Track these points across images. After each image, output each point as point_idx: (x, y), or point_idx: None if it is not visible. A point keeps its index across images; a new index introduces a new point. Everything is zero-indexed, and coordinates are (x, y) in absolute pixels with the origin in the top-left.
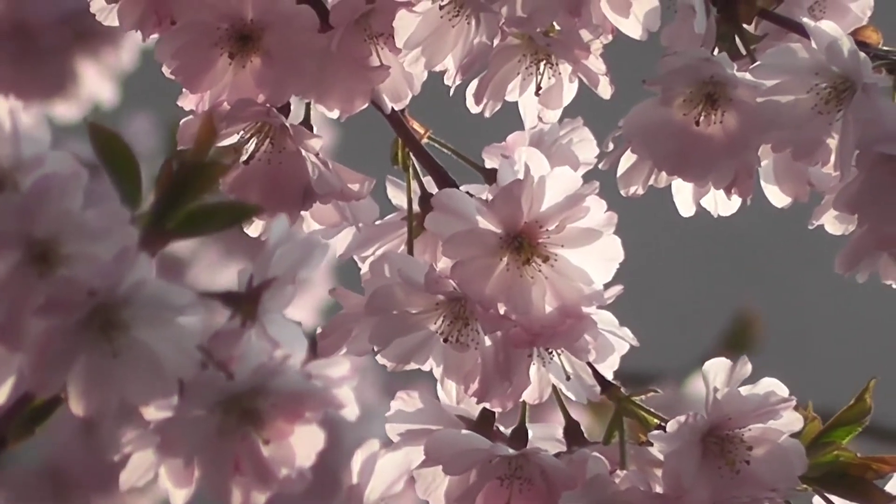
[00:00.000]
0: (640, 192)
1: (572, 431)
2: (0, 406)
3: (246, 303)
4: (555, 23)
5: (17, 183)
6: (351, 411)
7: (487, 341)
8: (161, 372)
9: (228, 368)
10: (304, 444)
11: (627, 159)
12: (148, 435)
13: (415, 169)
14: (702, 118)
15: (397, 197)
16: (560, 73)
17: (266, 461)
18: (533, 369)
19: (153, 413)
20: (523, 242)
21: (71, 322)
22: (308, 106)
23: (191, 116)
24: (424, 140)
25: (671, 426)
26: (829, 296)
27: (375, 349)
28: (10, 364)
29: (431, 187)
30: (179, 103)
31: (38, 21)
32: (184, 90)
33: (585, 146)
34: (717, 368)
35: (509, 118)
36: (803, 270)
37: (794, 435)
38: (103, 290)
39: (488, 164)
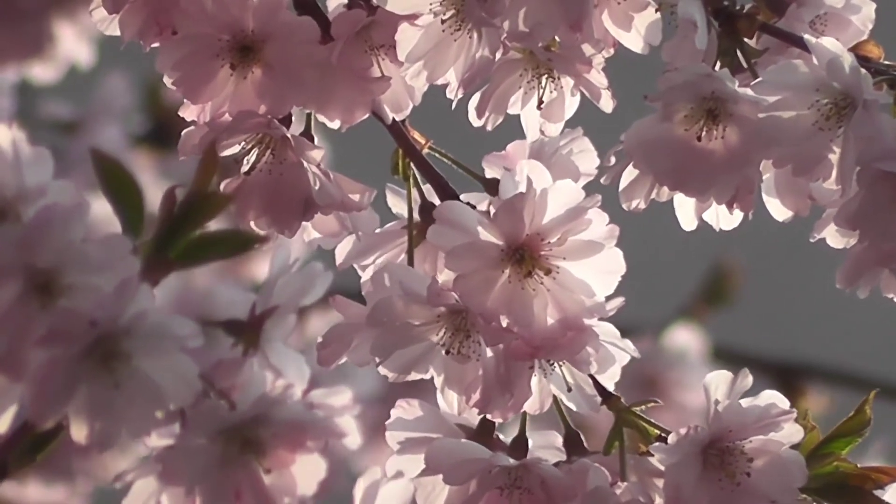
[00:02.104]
0: (643, 206)
1: (572, 441)
2: (1, 434)
3: (248, 331)
4: (556, 37)
5: (19, 213)
6: (353, 440)
7: (489, 353)
8: (162, 402)
9: (230, 397)
10: (305, 473)
11: (629, 174)
12: (150, 463)
13: (415, 179)
14: (703, 133)
15: (397, 205)
16: (562, 87)
17: (267, 490)
18: (534, 380)
19: (155, 441)
20: (525, 255)
21: (72, 353)
22: (309, 117)
23: (192, 127)
24: (425, 150)
25: (672, 438)
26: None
27: (377, 360)
28: (11, 393)
29: (432, 197)
30: (181, 114)
31: None
32: (185, 101)
33: (586, 157)
34: (718, 381)
35: (509, 128)
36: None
37: (794, 446)
38: (104, 321)
39: (488, 174)
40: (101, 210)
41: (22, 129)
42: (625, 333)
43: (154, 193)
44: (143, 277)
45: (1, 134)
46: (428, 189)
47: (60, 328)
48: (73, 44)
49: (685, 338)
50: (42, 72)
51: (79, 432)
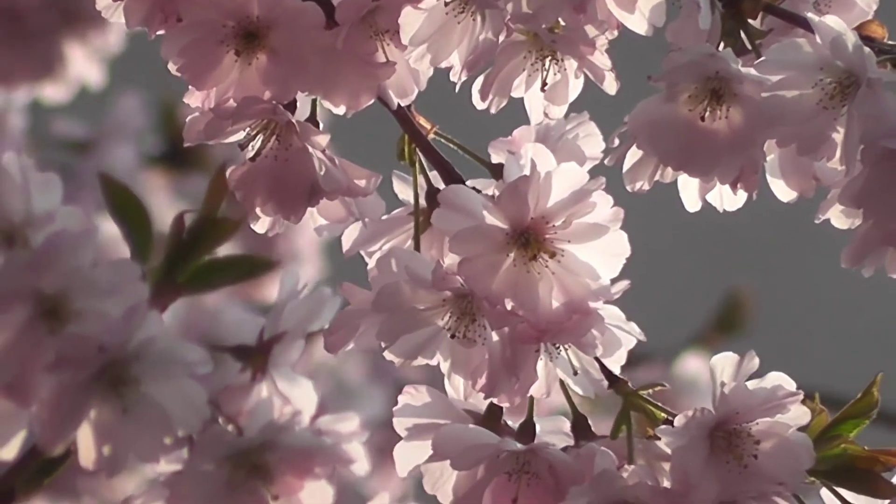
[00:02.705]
0: (646, 187)
1: (580, 426)
2: (9, 459)
3: (256, 357)
4: (560, 19)
5: (28, 239)
6: (361, 466)
7: (495, 337)
8: (170, 428)
9: (238, 422)
10: (313, 499)
11: (633, 155)
12: (157, 488)
13: (421, 164)
14: (707, 114)
15: (404, 192)
16: (566, 69)
17: None
18: (540, 364)
19: (163, 466)
20: (530, 238)
21: (81, 378)
22: (314, 102)
23: (196, 114)
24: (430, 136)
25: (678, 421)
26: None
27: (383, 345)
28: (20, 418)
29: (438, 183)
30: (186, 100)
31: (25, 4)
32: (190, 87)
33: (591, 141)
34: (724, 363)
35: (515, 113)
36: (795, 250)
37: (802, 429)
38: (113, 346)
39: (494, 159)
40: (111, 231)
41: (34, 149)
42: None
43: (168, 214)
44: (152, 303)
45: (9, 160)
46: (434, 175)
47: (69, 354)
48: (83, 64)
49: (697, 366)
50: (53, 92)
51: (87, 457)
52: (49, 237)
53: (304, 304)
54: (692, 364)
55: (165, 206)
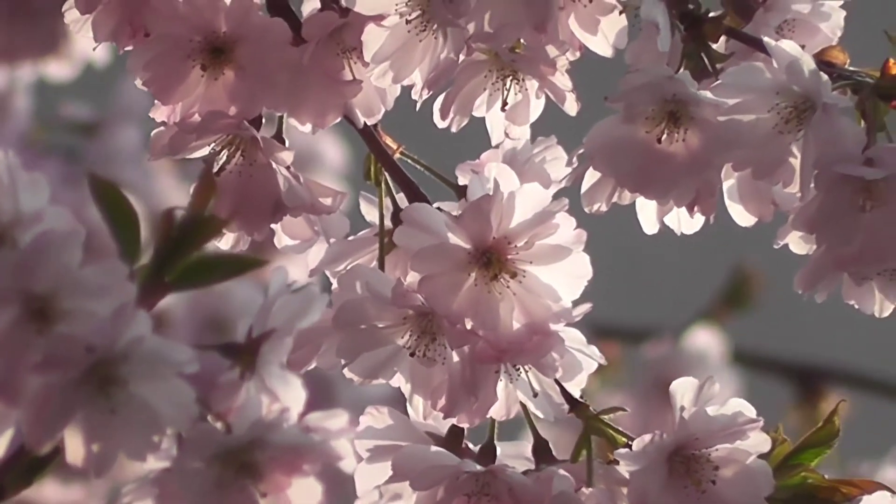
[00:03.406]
0: (604, 208)
1: (541, 449)
2: None
3: (245, 354)
4: (521, 39)
5: (16, 238)
6: (349, 463)
7: (455, 357)
8: (159, 427)
9: (227, 420)
10: (301, 496)
11: (591, 176)
12: (147, 486)
13: (387, 184)
14: (664, 136)
15: (370, 213)
16: (527, 89)
17: None
18: (500, 386)
19: (152, 464)
20: (492, 258)
21: (69, 378)
22: (280, 119)
23: (162, 128)
24: (397, 155)
25: (637, 444)
26: None
27: (342, 363)
28: (7, 418)
29: (404, 203)
30: (151, 114)
31: None
32: (155, 101)
33: (558, 164)
34: (684, 388)
35: (484, 134)
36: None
37: (763, 456)
38: (101, 346)
39: (461, 182)
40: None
41: (40, 131)
42: (645, 336)
43: (172, 196)
44: (140, 302)
45: None
46: (401, 196)
47: (57, 354)
48: (88, 41)
49: (705, 340)
50: (57, 69)
51: (75, 456)
52: (37, 237)
53: (292, 301)
54: (700, 338)
55: (171, 187)
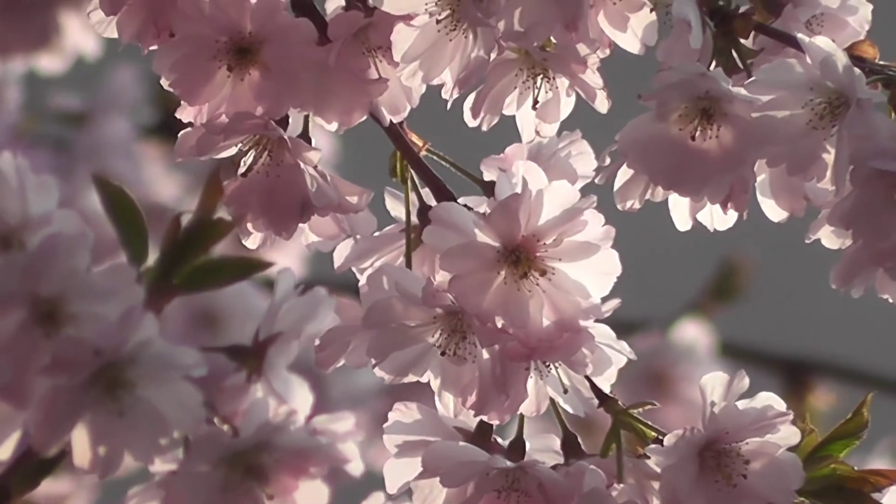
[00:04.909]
0: (637, 206)
1: (570, 444)
2: (4, 460)
3: (252, 357)
4: (552, 37)
5: (24, 241)
6: (356, 467)
7: (485, 354)
8: (166, 430)
9: (233, 423)
10: (308, 499)
11: (624, 174)
12: (153, 488)
13: (413, 181)
14: (697, 133)
15: (396, 209)
16: (557, 87)
17: None
18: (530, 382)
19: (159, 466)
20: (521, 256)
21: (76, 381)
22: (306, 118)
23: (189, 129)
24: (423, 153)
25: (668, 440)
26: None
27: (373, 362)
28: (14, 420)
29: (430, 200)
30: (178, 115)
31: None
32: (182, 102)
33: (583, 159)
34: (714, 382)
35: (508, 131)
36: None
37: (791, 448)
38: (109, 350)
39: (486, 177)
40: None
41: (30, 122)
42: (633, 329)
43: (164, 186)
44: (148, 305)
45: (5, 161)
46: (426, 192)
47: (65, 357)
48: (79, 35)
49: (693, 333)
50: (49, 63)
51: (82, 458)
52: (45, 240)
53: (299, 304)
54: (689, 331)
55: (161, 176)
